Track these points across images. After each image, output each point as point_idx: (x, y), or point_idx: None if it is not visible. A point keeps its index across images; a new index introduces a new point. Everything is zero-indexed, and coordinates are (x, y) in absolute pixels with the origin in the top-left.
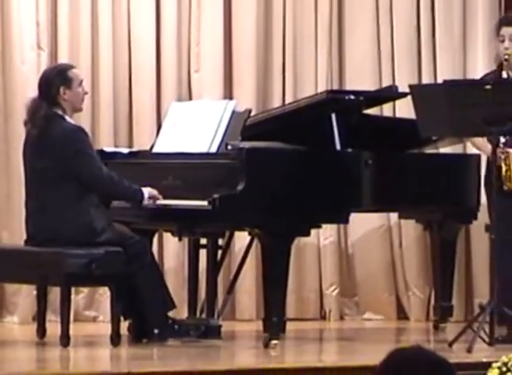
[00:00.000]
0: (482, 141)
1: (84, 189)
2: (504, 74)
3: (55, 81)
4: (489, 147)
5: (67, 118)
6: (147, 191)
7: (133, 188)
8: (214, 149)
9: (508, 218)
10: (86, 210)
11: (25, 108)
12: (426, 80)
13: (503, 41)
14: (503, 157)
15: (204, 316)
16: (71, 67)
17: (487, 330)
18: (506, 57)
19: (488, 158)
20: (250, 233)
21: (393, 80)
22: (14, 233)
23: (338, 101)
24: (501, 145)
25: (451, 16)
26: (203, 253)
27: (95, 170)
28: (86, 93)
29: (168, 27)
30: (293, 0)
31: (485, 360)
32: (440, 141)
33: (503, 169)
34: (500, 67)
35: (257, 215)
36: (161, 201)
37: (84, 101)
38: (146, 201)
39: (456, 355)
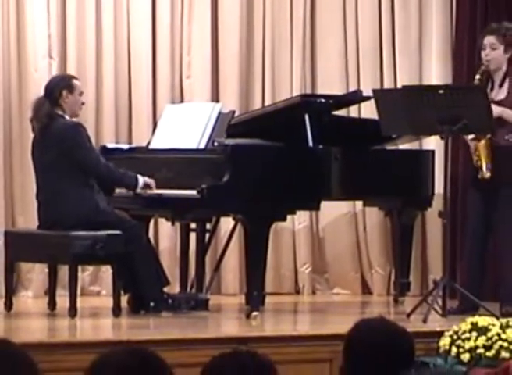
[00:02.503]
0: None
1: (86, 176)
2: (478, 76)
3: (60, 85)
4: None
5: (66, 117)
6: (142, 179)
7: (128, 174)
8: (202, 145)
9: (479, 206)
10: (89, 194)
11: (31, 106)
12: (387, 82)
13: (484, 49)
14: (472, 149)
15: (193, 291)
16: (75, 78)
17: (440, 303)
18: (486, 63)
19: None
20: (234, 219)
21: (359, 85)
22: (28, 219)
23: (311, 103)
24: (469, 139)
25: (409, 28)
26: (193, 236)
27: (93, 159)
28: (83, 103)
29: (163, 39)
30: (272, 17)
31: (438, 329)
32: (399, 139)
33: (474, 159)
34: (488, 72)
35: (240, 203)
36: (156, 191)
37: (83, 110)
38: (140, 189)
39: (413, 325)
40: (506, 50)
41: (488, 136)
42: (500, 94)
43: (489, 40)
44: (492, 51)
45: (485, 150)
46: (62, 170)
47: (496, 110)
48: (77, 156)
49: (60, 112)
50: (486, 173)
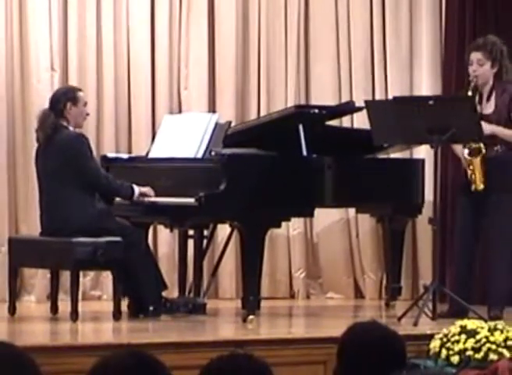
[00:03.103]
0: (458, 148)
1: (88, 185)
2: (470, 93)
3: (64, 97)
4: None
5: (70, 128)
6: (137, 189)
7: (125, 185)
8: (200, 155)
9: (469, 214)
10: (90, 202)
11: (36, 118)
12: (378, 94)
13: (471, 65)
14: (466, 164)
15: (191, 295)
16: (79, 90)
17: (430, 306)
18: (474, 79)
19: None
20: (230, 226)
21: (351, 96)
22: (31, 227)
23: (304, 114)
24: (465, 155)
25: (399, 40)
26: (191, 242)
27: (93, 170)
28: (88, 114)
29: (162, 52)
30: (266, 30)
31: (428, 332)
32: (391, 148)
33: (468, 173)
34: (476, 86)
35: (236, 210)
36: (154, 199)
37: (86, 120)
38: (136, 198)
39: (404, 328)
40: (493, 65)
41: (484, 152)
42: (488, 108)
43: (476, 56)
44: (479, 67)
45: (480, 165)
46: (66, 179)
47: (489, 128)
48: (79, 166)
49: (64, 123)
50: (479, 185)
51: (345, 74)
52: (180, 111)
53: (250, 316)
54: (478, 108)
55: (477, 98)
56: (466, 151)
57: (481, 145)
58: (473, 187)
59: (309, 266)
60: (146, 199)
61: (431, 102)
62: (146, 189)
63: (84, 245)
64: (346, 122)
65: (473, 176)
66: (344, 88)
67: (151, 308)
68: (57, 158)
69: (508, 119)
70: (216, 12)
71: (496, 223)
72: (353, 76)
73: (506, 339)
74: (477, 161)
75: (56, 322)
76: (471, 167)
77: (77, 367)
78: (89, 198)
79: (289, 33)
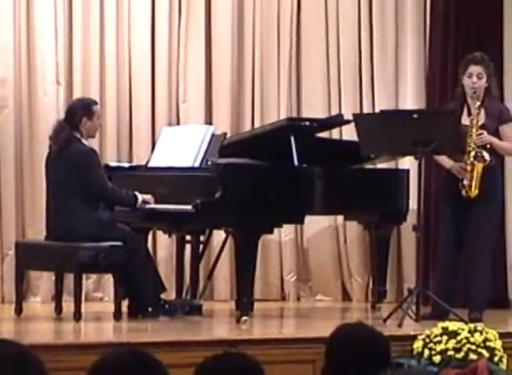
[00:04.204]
0: (442, 158)
1: (93, 196)
2: (477, 103)
3: (81, 112)
4: (451, 162)
5: (83, 140)
6: (140, 196)
7: (129, 195)
8: (197, 164)
9: (453, 222)
10: (95, 211)
11: (52, 127)
12: (366, 108)
13: (470, 77)
14: (469, 169)
15: (188, 297)
16: (95, 103)
17: (414, 309)
18: (474, 91)
19: (447, 171)
20: (225, 231)
21: (340, 110)
22: (37, 231)
23: (296, 126)
24: (471, 159)
25: (386, 57)
26: (188, 247)
27: (102, 183)
28: (101, 126)
29: (162, 67)
30: (260, 47)
31: (412, 333)
32: (377, 159)
33: (467, 177)
34: (464, 98)
35: (231, 217)
36: (154, 206)
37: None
38: (139, 205)
39: (389, 329)
40: (488, 79)
41: (489, 160)
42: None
43: (477, 69)
44: (478, 80)
45: (481, 172)
46: (74, 189)
47: (488, 138)
48: (88, 179)
49: (78, 135)
50: (474, 191)
51: (334, 89)
52: (179, 123)
53: (244, 317)
54: (467, 119)
55: (465, 109)
56: (472, 153)
57: (485, 154)
58: (464, 192)
59: (299, 269)
60: (147, 206)
61: (415, 116)
62: (148, 197)
63: (87, 249)
64: (335, 134)
65: (472, 181)
66: (334, 102)
67: (150, 309)
68: (67, 170)
69: (496, 131)
70: (213, 30)
71: (479, 231)
72: (342, 91)
73: (486, 340)
74: (480, 166)
75: (60, 322)
76: (473, 172)
77: (79, 364)
78: (94, 207)
79: (281, 50)
